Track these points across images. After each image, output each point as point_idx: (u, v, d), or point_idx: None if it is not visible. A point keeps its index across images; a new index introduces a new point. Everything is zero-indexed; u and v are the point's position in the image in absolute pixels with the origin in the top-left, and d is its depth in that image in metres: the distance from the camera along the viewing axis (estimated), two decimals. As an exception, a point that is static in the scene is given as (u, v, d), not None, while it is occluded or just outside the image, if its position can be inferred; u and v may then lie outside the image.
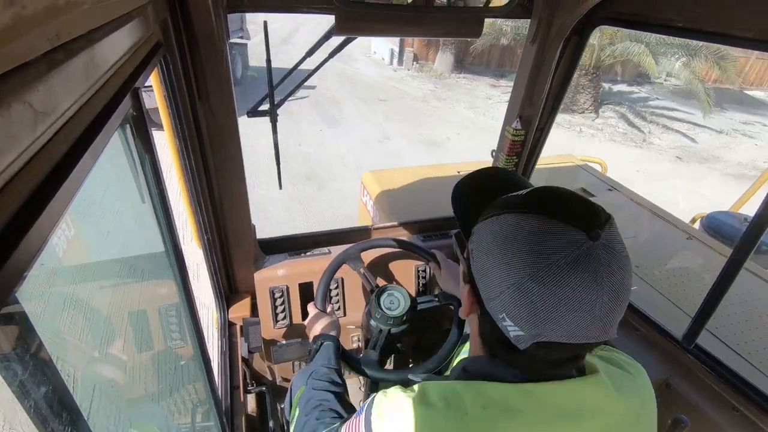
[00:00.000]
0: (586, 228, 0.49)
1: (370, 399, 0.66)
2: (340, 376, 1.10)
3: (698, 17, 1.11)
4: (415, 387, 0.61)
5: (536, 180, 1.86)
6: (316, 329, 1.27)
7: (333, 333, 1.25)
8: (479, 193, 0.71)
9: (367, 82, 11.86)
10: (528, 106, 1.54)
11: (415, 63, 13.93)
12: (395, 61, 14.12)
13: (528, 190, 0.58)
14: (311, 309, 1.37)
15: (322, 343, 1.18)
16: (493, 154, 1.79)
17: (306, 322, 1.35)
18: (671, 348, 1.42)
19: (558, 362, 0.56)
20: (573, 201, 0.53)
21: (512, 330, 0.52)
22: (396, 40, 13.60)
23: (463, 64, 13.63)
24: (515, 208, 0.54)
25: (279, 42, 14.16)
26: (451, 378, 0.65)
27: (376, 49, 15.44)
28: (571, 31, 1.37)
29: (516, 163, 1.71)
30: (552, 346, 0.51)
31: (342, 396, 1.02)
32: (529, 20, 1.41)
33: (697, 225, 3.73)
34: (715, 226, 3.60)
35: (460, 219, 0.71)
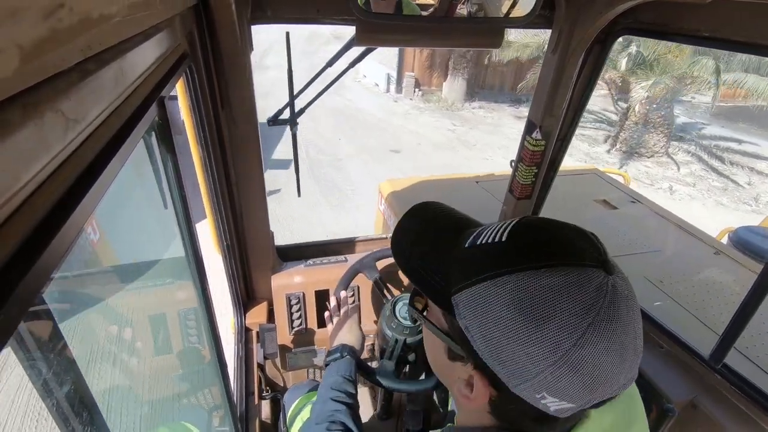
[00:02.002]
0: (600, 263, 0.43)
1: None
2: (355, 388, 1.09)
3: (726, 26, 1.08)
4: None
5: (557, 191, 1.84)
6: (342, 338, 1.25)
7: (357, 347, 1.23)
8: (430, 245, 0.56)
9: (367, 120, 9.43)
10: (548, 116, 1.52)
11: (417, 90, 11.65)
12: (392, 87, 11.76)
13: (505, 233, 0.47)
14: (335, 313, 1.35)
15: (344, 356, 1.16)
16: (512, 164, 1.77)
17: (331, 327, 1.33)
18: (697, 367, 1.37)
19: (571, 417, 0.50)
20: (568, 231, 0.46)
21: (554, 405, 0.45)
22: (392, 62, 11.60)
23: (473, 88, 11.64)
24: (511, 265, 0.44)
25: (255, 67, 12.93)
26: None
27: (365, 72, 12.70)
28: (593, 41, 1.35)
29: (536, 173, 1.69)
30: (595, 405, 0.46)
31: (354, 409, 1.01)
32: (549, 30, 1.40)
33: (725, 240, 3.61)
34: (744, 241, 3.48)
35: (421, 285, 0.54)
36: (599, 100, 11.55)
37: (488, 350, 0.45)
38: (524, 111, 10.97)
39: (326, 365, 1.16)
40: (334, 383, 1.06)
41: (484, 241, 0.48)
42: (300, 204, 5.37)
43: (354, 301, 1.67)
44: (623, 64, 8.24)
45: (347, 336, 1.25)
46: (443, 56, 11.26)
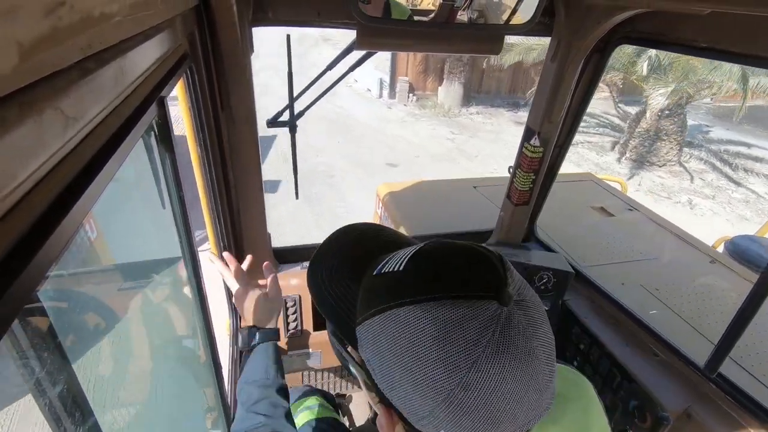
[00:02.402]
0: (494, 292, 0.40)
1: None
2: (283, 389, 0.93)
3: (724, 37, 1.09)
4: None
5: (554, 197, 1.85)
6: (249, 314, 1.06)
7: (270, 324, 1.05)
8: (344, 271, 0.53)
9: (360, 129, 8.82)
10: (547, 123, 1.53)
11: (411, 96, 11.02)
12: (385, 92, 11.13)
13: (404, 262, 0.45)
14: (238, 277, 1.16)
15: (258, 343, 1.00)
16: (510, 170, 1.78)
17: (234, 294, 1.14)
18: (692, 376, 1.37)
19: None
20: (462, 259, 0.43)
21: None
22: (385, 66, 11.10)
23: (469, 93, 11.19)
24: (401, 297, 0.42)
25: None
26: None
27: (357, 77, 11.86)
28: (592, 49, 1.36)
29: (533, 180, 1.70)
30: None
31: (284, 415, 0.87)
32: (549, 38, 1.41)
33: (720, 249, 3.62)
34: (739, 250, 3.49)
35: (330, 315, 0.53)
36: (600, 103, 11.12)
37: (385, 385, 0.44)
38: (523, 115, 10.53)
39: (244, 353, 1.04)
40: (247, 397, 0.89)
41: (387, 270, 0.46)
42: (292, 230, 5.00)
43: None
44: (644, 68, 7.80)
45: (249, 311, 1.07)
46: (438, 60, 10.87)
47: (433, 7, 1.25)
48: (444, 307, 0.40)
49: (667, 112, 7.94)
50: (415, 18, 1.27)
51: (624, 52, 7.79)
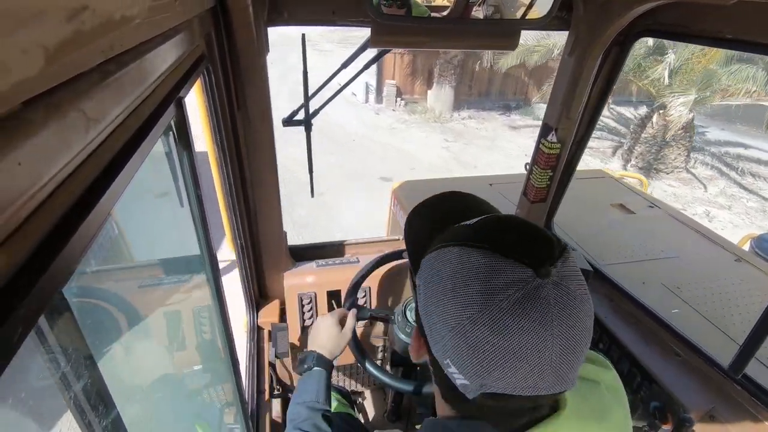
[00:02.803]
0: (535, 264, 0.43)
1: None
2: (328, 418, 0.96)
3: (751, 28, 1.05)
4: None
5: (571, 195, 1.81)
6: (318, 340, 1.15)
7: (330, 356, 1.12)
8: (435, 222, 0.62)
9: (349, 139, 8.31)
10: (565, 119, 1.50)
11: (399, 100, 10.54)
12: (372, 97, 10.59)
13: (477, 219, 0.51)
14: (330, 314, 1.24)
15: (312, 366, 1.07)
16: (527, 167, 1.76)
17: (313, 326, 1.22)
18: (716, 377, 1.34)
19: (515, 412, 0.50)
20: (523, 232, 0.48)
21: (457, 378, 0.47)
22: (371, 69, 9.82)
23: (459, 96, 10.62)
24: (461, 240, 0.48)
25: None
26: None
27: (341, 81, 11.03)
28: (612, 42, 1.33)
29: (550, 176, 1.67)
30: (499, 398, 0.46)
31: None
32: (566, 32, 1.39)
33: (746, 247, 3.51)
34: (767, 247, 3.38)
35: (410, 249, 0.64)
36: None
37: (422, 309, 0.51)
38: (516, 119, 10.35)
39: (299, 374, 1.09)
40: (297, 415, 0.96)
41: (464, 223, 0.53)
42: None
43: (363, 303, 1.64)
44: (665, 76, 7.19)
45: (323, 339, 1.15)
46: (426, 62, 10.36)
47: (447, 3, 1.24)
48: (484, 255, 0.45)
49: (684, 122, 7.53)
50: (416, 14, 1.26)
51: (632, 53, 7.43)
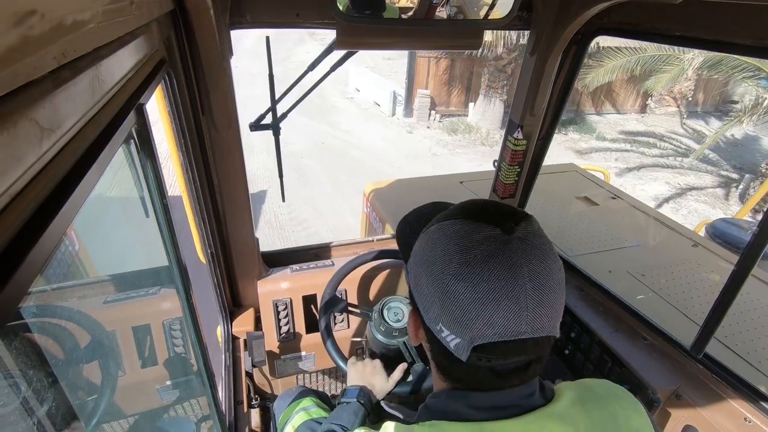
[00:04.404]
0: (501, 223, 0.51)
1: None
2: None
3: (696, 26, 1.11)
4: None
5: (538, 189, 1.87)
6: (367, 378, 1.19)
7: (378, 392, 1.16)
8: (420, 224, 0.67)
9: (377, 169, 5.98)
10: (529, 116, 1.54)
11: (433, 113, 8.82)
12: (399, 109, 8.89)
13: (456, 204, 0.61)
14: (361, 361, 1.28)
15: (360, 401, 1.09)
16: (495, 164, 1.79)
17: (364, 362, 1.26)
18: (680, 357, 1.40)
19: (504, 372, 0.54)
20: (491, 206, 0.56)
21: (451, 339, 0.52)
22: (400, 77, 9.33)
23: (505, 110, 8.67)
24: (440, 220, 0.57)
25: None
26: (416, 417, 0.63)
27: (358, 86, 9.80)
28: (570, 41, 1.38)
29: (518, 172, 1.71)
30: (490, 350, 0.51)
31: None
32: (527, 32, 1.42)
33: (702, 232, 3.71)
34: (720, 233, 3.58)
35: (402, 249, 0.73)
36: (664, 120, 9.05)
37: (413, 283, 0.58)
38: (577, 139, 8.53)
39: (338, 403, 1.11)
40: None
41: (445, 210, 0.60)
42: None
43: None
44: None
45: (370, 379, 1.18)
46: (465, 69, 8.75)
47: (411, 5, 1.25)
48: (457, 223, 0.53)
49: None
50: (388, 16, 1.27)
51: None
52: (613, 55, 7.34)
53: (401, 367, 1.23)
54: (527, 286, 0.49)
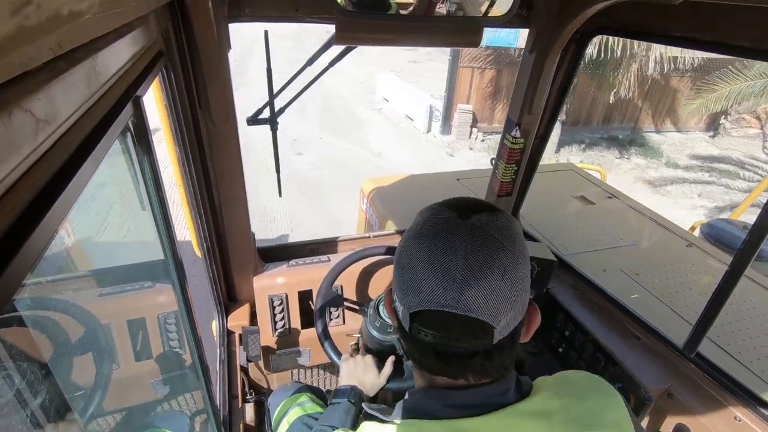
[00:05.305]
0: (460, 210, 0.56)
1: None
2: None
3: (694, 26, 1.12)
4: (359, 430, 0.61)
5: (535, 188, 1.87)
6: (358, 377, 1.18)
7: (368, 390, 1.15)
8: None
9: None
10: (527, 114, 1.55)
11: (474, 130, 7.85)
12: (435, 126, 7.95)
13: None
14: (352, 357, 1.28)
15: (350, 401, 1.09)
16: (492, 162, 1.80)
17: (352, 361, 1.25)
18: (672, 356, 1.42)
19: (445, 354, 0.55)
20: (468, 200, 0.60)
21: (399, 310, 0.57)
22: (428, 83, 8.70)
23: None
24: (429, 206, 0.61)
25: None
26: (393, 413, 0.64)
27: (386, 95, 8.95)
28: (569, 40, 1.38)
29: (515, 171, 1.72)
30: (424, 321, 0.53)
31: None
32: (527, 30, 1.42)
33: (696, 233, 3.73)
34: (714, 233, 3.60)
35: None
36: (743, 143, 7.79)
37: (393, 269, 0.61)
38: (642, 164, 7.32)
39: (330, 403, 1.10)
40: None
41: None
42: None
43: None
44: None
45: (362, 376, 1.18)
46: (513, 79, 7.25)
47: (411, 1, 1.25)
48: (432, 209, 0.59)
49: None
50: (391, 12, 1.27)
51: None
52: (732, 79, 6.26)
53: (390, 361, 1.23)
54: (459, 264, 0.51)
